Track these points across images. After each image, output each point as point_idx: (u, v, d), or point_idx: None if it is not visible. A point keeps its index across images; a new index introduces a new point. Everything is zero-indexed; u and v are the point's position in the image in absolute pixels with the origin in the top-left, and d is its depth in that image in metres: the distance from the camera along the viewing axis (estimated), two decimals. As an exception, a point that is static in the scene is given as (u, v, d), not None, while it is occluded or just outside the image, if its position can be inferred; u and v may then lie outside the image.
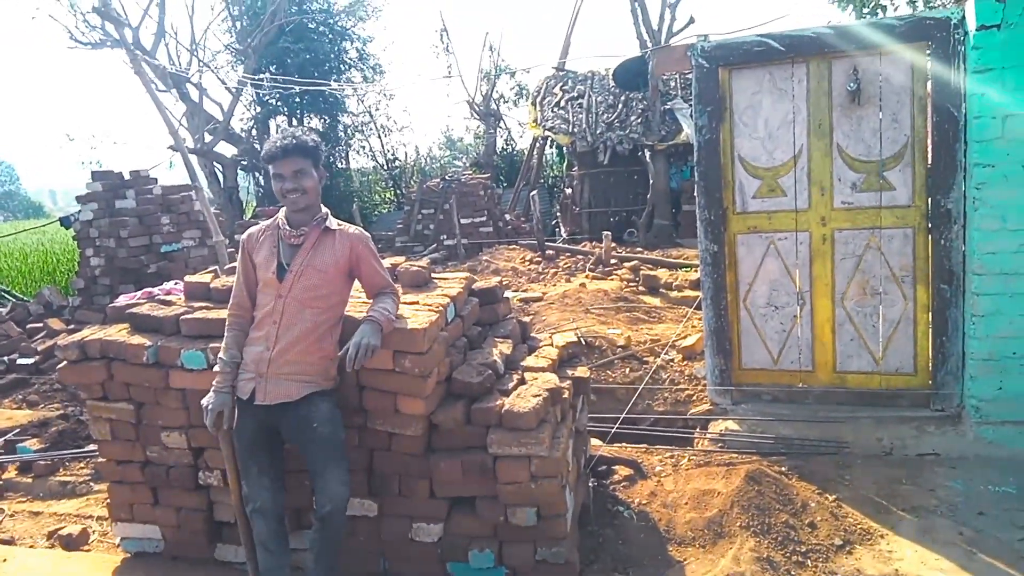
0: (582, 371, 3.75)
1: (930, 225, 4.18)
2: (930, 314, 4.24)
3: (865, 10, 11.86)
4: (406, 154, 24.31)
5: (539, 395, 3.19)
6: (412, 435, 3.18)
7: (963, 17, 3.91)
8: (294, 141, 2.88)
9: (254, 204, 17.02)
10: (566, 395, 3.43)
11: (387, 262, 3.87)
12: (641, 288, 8.94)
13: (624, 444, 4.50)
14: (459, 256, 13.07)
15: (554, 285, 9.65)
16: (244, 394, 2.95)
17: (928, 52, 4.05)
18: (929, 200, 4.18)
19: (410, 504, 3.29)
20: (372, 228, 19.23)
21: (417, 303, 3.41)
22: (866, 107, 4.28)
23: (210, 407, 2.94)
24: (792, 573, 3.12)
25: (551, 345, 3.89)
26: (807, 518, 3.45)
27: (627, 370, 5.63)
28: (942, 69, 4.00)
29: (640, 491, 3.86)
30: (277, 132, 19.02)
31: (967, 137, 3.97)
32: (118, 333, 3.45)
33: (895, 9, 13.14)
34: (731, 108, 4.57)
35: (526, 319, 4.00)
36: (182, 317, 3.43)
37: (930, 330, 4.24)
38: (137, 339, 3.38)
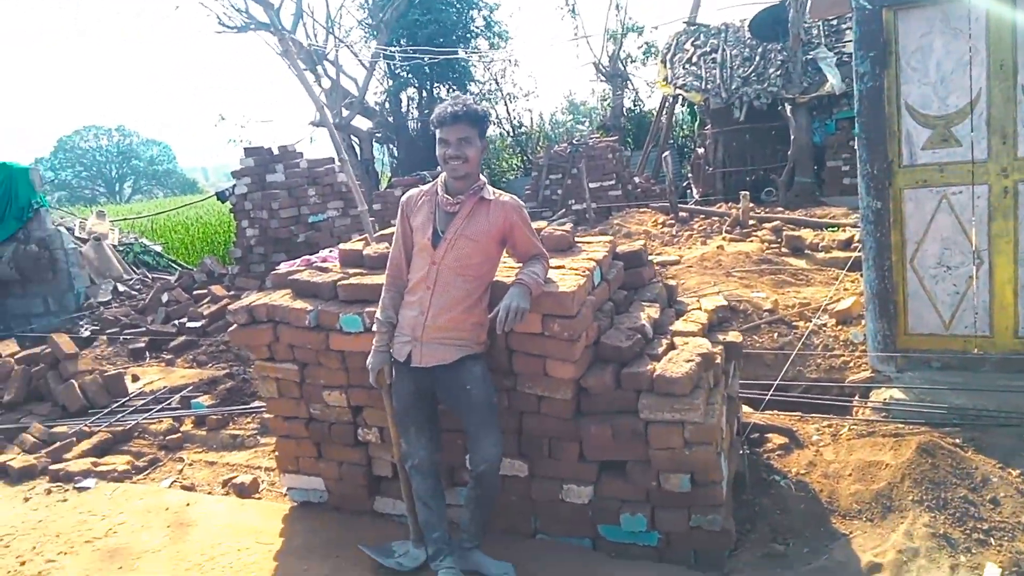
0: (734, 335, 3.60)
1: None
2: None
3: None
4: (531, 120, 24.26)
5: (691, 360, 3.09)
6: (561, 399, 3.18)
7: None
8: (464, 108, 2.89)
9: (388, 175, 17.59)
10: (718, 360, 3.31)
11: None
12: (784, 250, 8.50)
13: (776, 412, 4.31)
14: (589, 221, 12.94)
15: (690, 248, 9.36)
16: (401, 356, 3.04)
17: None
18: None
19: (560, 466, 3.30)
20: (501, 195, 19.39)
21: (563, 267, 3.38)
22: (1062, 40, 3.80)
23: (371, 366, 3.07)
24: (972, 551, 2.88)
25: (699, 309, 3.76)
26: (988, 494, 3.17)
27: (775, 335, 5.37)
28: None
29: (797, 460, 3.69)
30: (409, 104, 19.43)
31: None
32: (282, 298, 3.65)
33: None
34: (897, 52, 4.20)
35: (672, 282, 3.87)
36: (339, 283, 3.57)
37: None
38: (299, 304, 3.56)
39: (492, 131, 23.06)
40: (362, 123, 16.64)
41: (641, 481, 3.14)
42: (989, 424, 3.83)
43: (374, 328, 3.14)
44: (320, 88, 15.33)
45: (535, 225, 3.88)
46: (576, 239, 3.82)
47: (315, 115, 15.38)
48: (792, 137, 13.23)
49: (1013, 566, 2.75)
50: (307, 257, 4.18)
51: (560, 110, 28.17)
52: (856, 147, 4.35)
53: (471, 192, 3.00)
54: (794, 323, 5.51)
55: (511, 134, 22.91)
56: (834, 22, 13.75)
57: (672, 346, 3.32)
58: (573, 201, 14.41)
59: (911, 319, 4.36)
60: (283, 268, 4.03)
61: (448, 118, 2.89)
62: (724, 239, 9.61)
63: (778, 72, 13.93)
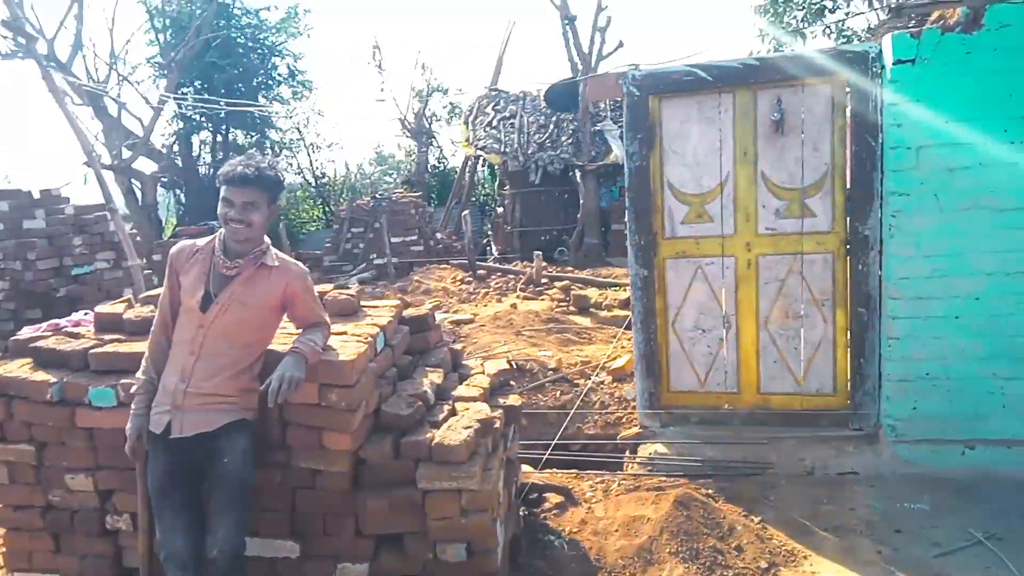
0: (514, 399, 3.70)
1: (849, 251, 4.33)
2: (848, 337, 4.38)
3: (785, 40, 12.38)
4: (335, 171, 23.96)
5: (470, 426, 3.13)
6: (338, 472, 3.07)
7: (880, 51, 4.08)
8: (256, 171, 2.71)
9: (174, 222, 16.42)
10: (498, 425, 3.38)
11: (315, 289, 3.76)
12: (572, 308, 8.99)
13: (555, 470, 4.48)
14: (389, 276, 12.91)
15: (485, 305, 9.61)
16: (158, 428, 2.78)
17: (847, 85, 4.21)
18: (848, 226, 4.33)
19: (335, 543, 3.16)
20: (300, 246, 18.81)
21: (345, 333, 3.31)
22: (789, 136, 4.41)
23: (129, 431, 2.81)
24: (721, 599, 3.13)
25: (483, 373, 3.84)
26: (734, 541, 3.49)
27: (558, 393, 5.62)
28: (860, 101, 4.16)
29: (571, 519, 3.84)
30: (201, 148, 18.38)
31: (884, 167, 4.14)
32: (19, 369, 3.23)
33: (814, 38, 13.76)
34: (661, 135, 4.65)
35: (458, 346, 3.94)
36: (91, 351, 3.23)
37: (849, 352, 4.39)
38: (41, 375, 3.16)
39: (293, 180, 22.44)
40: (147, 165, 15.49)
41: (419, 553, 3.09)
42: (737, 474, 4.23)
43: (133, 390, 2.87)
44: (94, 126, 14.10)
45: (319, 288, 3.79)
46: (362, 303, 3.77)
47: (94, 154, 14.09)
48: (582, 201, 14.19)
49: (753, 609, 3.02)
50: (55, 321, 3.74)
51: (368, 161, 28.13)
52: (626, 219, 4.73)
53: (252, 256, 2.83)
54: (576, 381, 5.81)
55: (313, 185, 22.43)
56: (618, 99, 15.06)
57: (453, 412, 3.35)
58: (375, 255, 14.33)
59: (673, 378, 4.76)
60: (25, 333, 3.58)
61: (236, 179, 2.70)
62: (518, 297, 9.99)
63: (569, 140, 14.96)
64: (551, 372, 5.88)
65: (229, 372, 2.82)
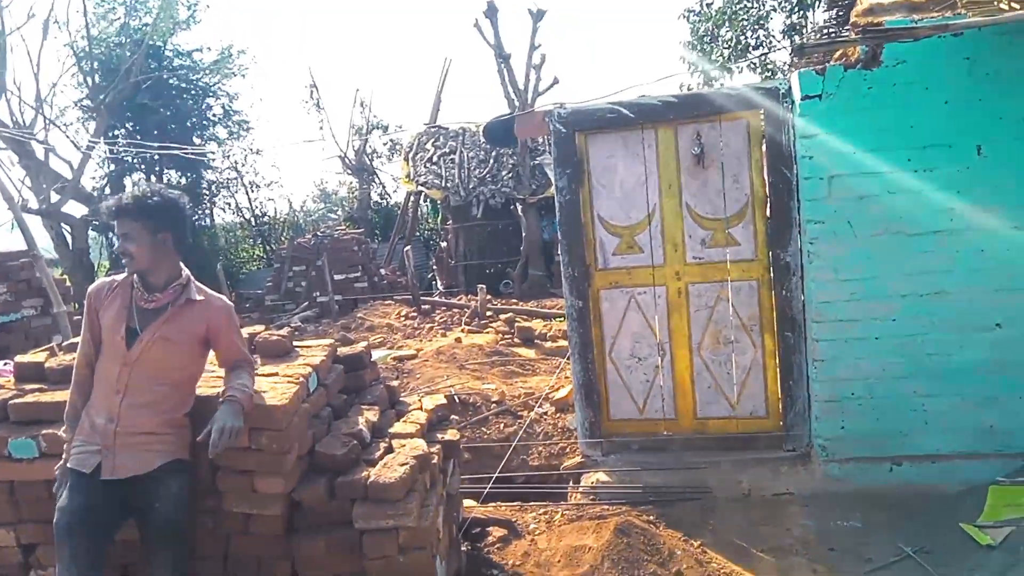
0: (452, 434, 3.71)
1: (772, 277, 4.50)
2: (777, 360, 4.53)
3: (713, 75, 12.88)
4: (275, 209, 23.72)
5: (406, 463, 3.13)
6: (271, 515, 3.03)
7: (789, 88, 4.30)
8: (123, 202, 2.69)
9: (107, 267, 15.94)
10: (435, 460, 3.38)
11: (246, 331, 3.72)
12: (516, 340, 9.04)
13: (499, 503, 4.48)
14: (332, 313, 12.78)
15: (430, 340, 9.59)
16: (84, 467, 2.71)
17: (762, 119, 4.41)
18: (770, 254, 4.49)
19: (272, 589, 3.10)
20: (240, 286, 18.47)
21: (277, 374, 3.28)
22: (710, 169, 4.58)
23: (60, 473, 2.78)
24: (662, 625, 3.17)
25: (420, 409, 3.83)
26: (674, 567, 3.53)
27: (502, 425, 5.63)
28: (774, 134, 4.36)
29: (514, 552, 3.84)
30: (135, 190, 18.18)
31: (799, 196, 4.32)
32: (-68, 423, 3.10)
33: (740, 73, 14.32)
34: (589, 170, 4.77)
35: (394, 383, 3.93)
36: (11, 402, 3.13)
37: (778, 375, 4.53)
38: (-45, 429, 3.04)
39: (231, 219, 22.08)
40: (78, 209, 15.04)
41: (357, 596, 3.05)
42: (677, 499, 4.30)
43: (64, 432, 2.81)
44: (16, 172, 13.66)
45: (256, 329, 3.76)
46: (295, 344, 3.74)
47: (17, 199, 13.63)
48: (524, 234, 14.34)
49: (691, 633, 3.06)
50: (-27, 372, 3.61)
51: (312, 198, 27.91)
52: (558, 252, 4.82)
53: (171, 290, 2.80)
54: (519, 412, 5.83)
55: (253, 223, 22.13)
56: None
57: (390, 449, 3.33)
58: (318, 293, 14.18)
59: (612, 406, 4.83)
60: (-60, 386, 3.43)
61: (112, 211, 2.70)
62: (463, 331, 10.00)
63: (510, 174, 15.15)
64: (494, 404, 5.90)
65: (158, 410, 2.78)
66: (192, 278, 2.92)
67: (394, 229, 18.52)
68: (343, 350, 3.87)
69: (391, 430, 3.51)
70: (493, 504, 4.42)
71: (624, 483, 4.45)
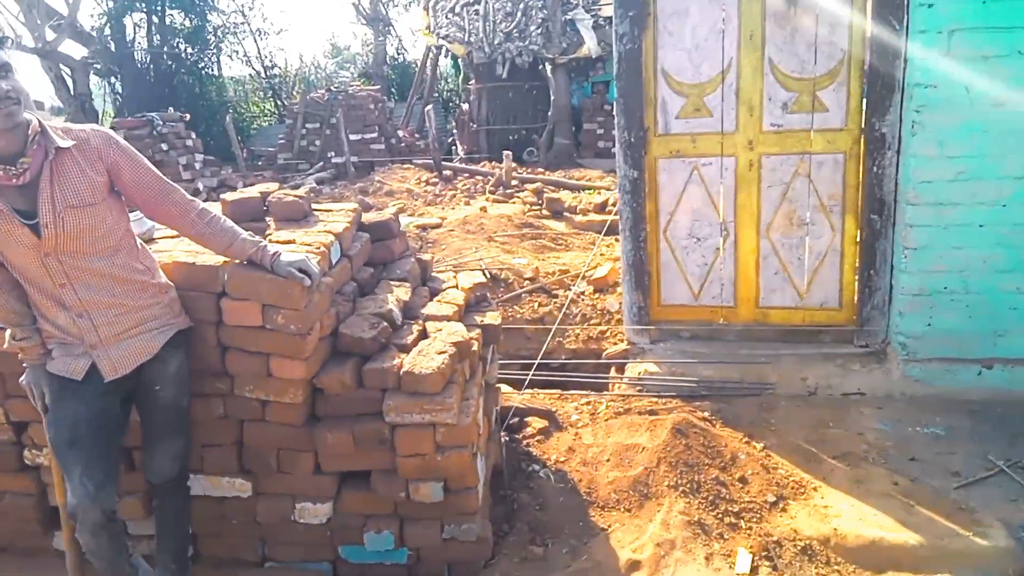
0: (492, 317, 3.25)
1: (863, 150, 3.87)
2: (858, 246, 3.99)
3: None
4: (286, 61, 22.47)
5: (444, 352, 2.68)
6: (291, 403, 2.63)
7: (913, -85, 3.50)
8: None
9: (111, 113, 15.16)
10: (476, 348, 2.94)
11: (257, 188, 3.20)
12: (545, 212, 8.51)
13: (536, 391, 4.10)
14: (349, 175, 12.16)
15: (453, 209, 9.06)
16: (76, 373, 2.26)
17: (873, -45, 3.63)
18: (864, 123, 3.85)
19: (292, 481, 2.76)
20: (251, 143, 17.75)
21: (293, 242, 2.79)
22: (802, 17, 3.86)
23: (29, 381, 2.34)
24: (725, 536, 2.83)
25: (456, 287, 3.36)
26: (737, 472, 3.17)
27: (536, 304, 5.20)
28: (886, -25, 3.60)
29: (557, 446, 3.48)
30: (136, 31, 16.81)
31: (909, 53, 3.63)
32: None
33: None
34: (655, 14, 4.05)
35: (426, 256, 3.44)
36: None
37: (858, 263, 4.00)
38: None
39: (241, 71, 20.96)
40: (76, 50, 14.10)
41: (388, 493, 2.71)
42: (734, 394, 3.91)
43: (14, 336, 2.32)
44: (17, 5, 12.64)
45: (271, 187, 3.22)
46: (313, 207, 3.22)
47: (15, 37, 12.73)
48: (552, 98, 13.42)
49: (763, 550, 2.72)
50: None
51: (323, 53, 26.46)
52: (614, 112, 4.18)
53: (37, 147, 2.08)
54: (554, 291, 5.38)
55: (263, 75, 20.99)
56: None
57: (424, 334, 2.89)
58: (332, 154, 13.51)
59: (664, 290, 4.35)
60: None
61: None
62: (488, 200, 9.44)
63: (539, 30, 14.00)
64: (528, 281, 5.44)
65: (125, 282, 2.28)
66: (42, 120, 2.16)
67: (411, 88, 17.49)
68: (368, 216, 3.36)
69: (424, 311, 3.05)
70: (530, 392, 4.04)
71: (675, 375, 4.04)
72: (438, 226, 7.23)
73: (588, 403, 3.94)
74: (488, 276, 5.35)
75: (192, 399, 2.61)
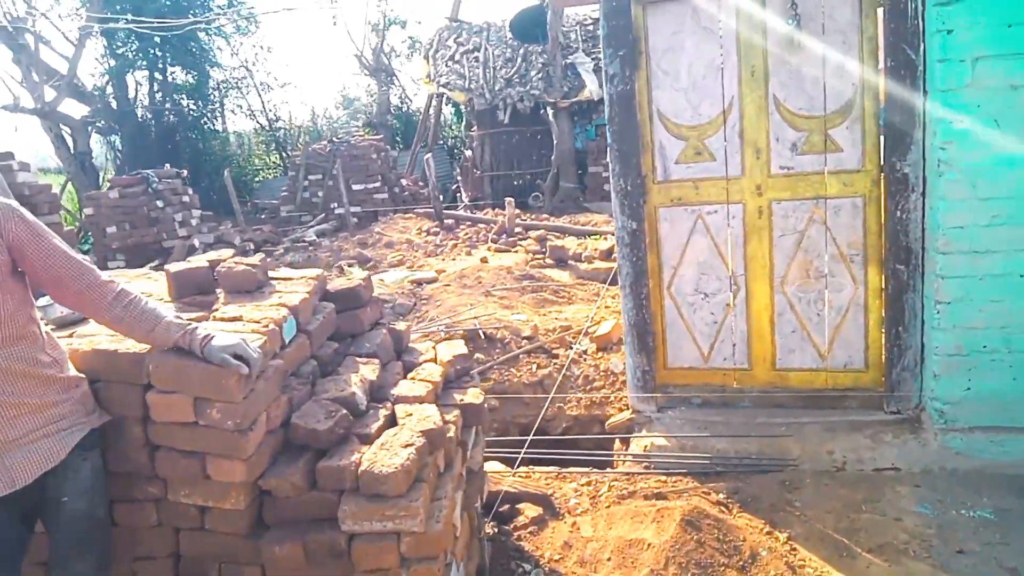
0: (474, 395, 2.87)
1: (884, 193, 3.51)
2: (883, 300, 3.60)
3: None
4: (290, 114, 22.54)
5: (411, 444, 2.31)
6: (232, 509, 2.25)
7: (922, -63, 3.19)
8: None
9: (112, 172, 15.11)
10: (452, 434, 2.56)
11: (206, 257, 2.87)
12: (548, 260, 8.17)
13: (532, 469, 3.69)
14: (349, 227, 11.92)
15: (454, 259, 8.74)
16: None
17: (883, -19, 3.33)
18: (883, 163, 3.50)
19: (237, 600, 2.36)
20: (255, 195, 17.67)
21: (240, 319, 2.44)
22: (808, 49, 3.54)
23: None
24: (747, 654, 2.39)
25: (434, 360, 2.99)
26: (759, 573, 2.73)
27: (534, 366, 4.81)
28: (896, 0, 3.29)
29: (552, 539, 3.06)
30: (137, 89, 16.78)
31: (928, 85, 3.29)
32: None
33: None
34: (647, 52, 3.76)
35: (401, 326, 3.07)
36: None
37: (884, 319, 3.60)
38: None
39: (245, 126, 21.02)
40: (76, 109, 14.10)
41: (346, 614, 2.30)
42: (752, 470, 3.48)
43: None
44: (16, 65, 12.63)
45: (230, 255, 2.89)
46: (271, 276, 2.88)
47: (14, 99, 12.74)
48: (555, 142, 13.21)
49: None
50: None
51: (335, 105, 26.58)
52: (608, 160, 3.85)
53: None
54: (554, 351, 5.00)
55: (267, 128, 21.01)
56: (591, 27, 13.95)
57: (392, 420, 2.52)
58: (335, 205, 13.30)
59: (670, 352, 3.96)
60: None
61: None
62: (490, 249, 9.14)
63: (539, 75, 13.87)
64: (525, 341, 5.07)
65: (27, 376, 1.94)
66: None
67: (415, 136, 17.39)
68: (335, 284, 3.01)
69: (395, 391, 2.68)
70: (525, 470, 3.63)
71: (685, 449, 3.63)
72: (434, 280, 6.89)
73: (589, 483, 3.52)
74: (482, 336, 4.99)
75: (120, 505, 2.26)
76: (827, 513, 3.14)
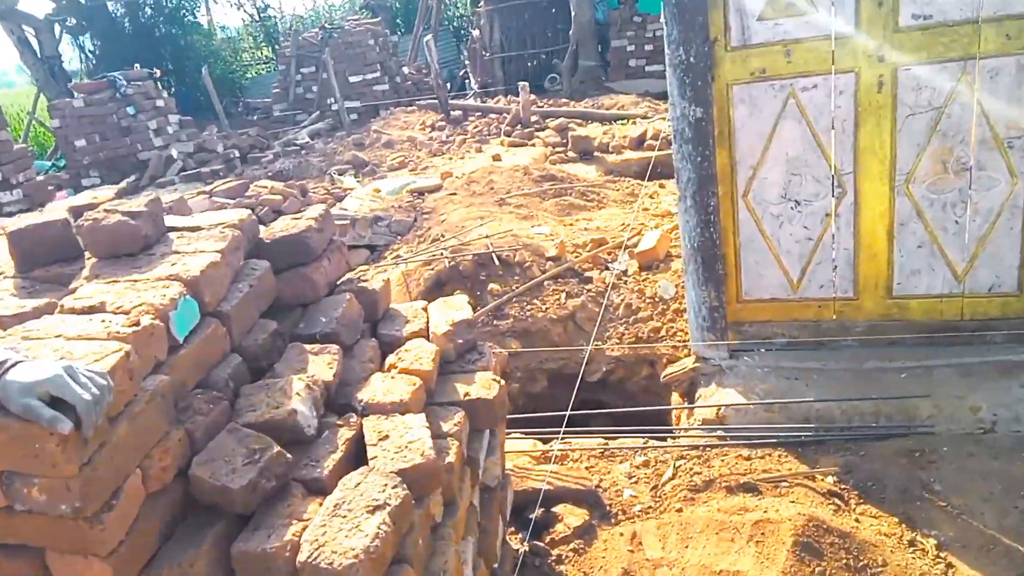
0: (484, 384, 1.95)
1: (1066, 46, 2.41)
2: (1055, 199, 2.57)
3: None
4: (280, 2, 20.67)
5: (383, 503, 1.43)
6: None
7: None
8: None
9: (85, 77, 13.78)
10: (453, 458, 1.67)
11: (70, 202, 1.91)
12: (570, 154, 7.09)
13: (567, 441, 2.82)
14: (344, 125, 10.76)
15: (461, 159, 7.67)
16: None
17: None
18: (1070, 1, 2.37)
19: None
20: (246, 93, 16.38)
21: (103, 307, 1.53)
22: None
23: None
24: None
25: (423, 334, 2.06)
26: (913, 617, 1.88)
27: (563, 295, 3.87)
28: None
29: (605, 563, 2.21)
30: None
31: None
32: None
33: None
34: None
35: (376, 284, 2.12)
36: None
37: (1053, 226, 2.59)
38: None
39: (233, 21, 19.33)
40: (40, 6, 12.74)
41: None
42: (866, 437, 2.59)
43: None
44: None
45: (109, 199, 1.92)
46: (172, 225, 1.93)
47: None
48: (573, 14, 11.71)
49: None
50: None
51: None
52: (663, 19, 2.75)
53: None
54: (586, 273, 4.04)
55: (256, 19, 19.31)
56: None
57: (358, 445, 1.64)
58: (332, 100, 12.07)
59: (747, 280, 2.99)
60: None
61: None
62: (503, 144, 8.03)
63: (552, -64, 12.19)
64: (550, 263, 4.11)
65: None
66: None
67: (416, 18, 15.76)
68: (274, 229, 2.04)
69: (364, 394, 1.77)
70: (559, 447, 2.76)
71: (771, 409, 2.72)
72: (437, 189, 5.87)
73: (647, 463, 2.66)
74: (497, 261, 4.04)
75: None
76: (982, 502, 2.27)
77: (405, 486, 1.48)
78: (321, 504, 1.46)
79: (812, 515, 2.11)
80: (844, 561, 1.99)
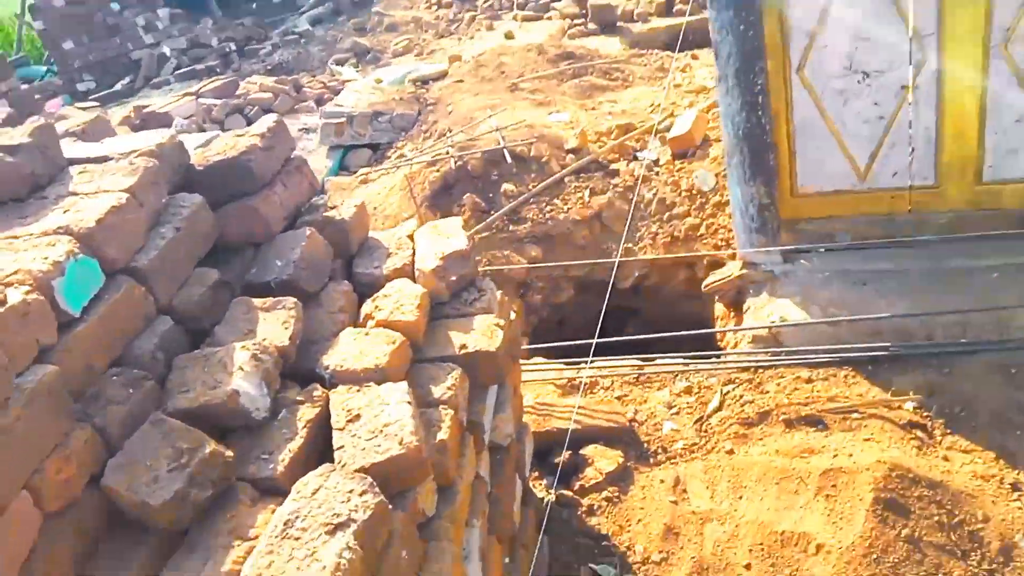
0: (486, 333, 1.57)
1: None
2: None
3: None
4: None
5: (348, 519, 1.11)
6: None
7: None
8: None
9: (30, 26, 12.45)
10: (446, 436, 1.33)
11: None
12: (591, 26, 6.41)
13: (596, 366, 2.47)
14: (345, 7, 9.96)
15: (471, 38, 7.01)
16: None
17: None
18: None
19: None
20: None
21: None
22: None
23: None
24: None
25: (410, 269, 1.67)
26: (1021, 587, 1.54)
27: (586, 192, 3.42)
28: None
29: (644, 515, 1.90)
30: None
31: None
32: None
33: None
34: None
35: (347, 213, 1.70)
36: None
37: None
38: None
39: None
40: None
41: None
42: (949, 352, 2.19)
43: None
44: None
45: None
46: (78, 156, 1.53)
47: None
48: None
49: None
50: None
51: None
52: None
53: None
54: (612, 165, 3.57)
55: None
56: None
57: (323, 426, 1.29)
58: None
59: (803, 169, 2.51)
60: None
61: None
62: (516, 19, 7.32)
63: None
64: (570, 156, 3.63)
65: None
66: None
67: None
68: (208, 153, 1.62)
69: (329, 360, 1.41)
70: (589, 374, 2.41)
71: (834, 327, 2.32)
72: (443, 76, 5.29)
73: (689, 389, 2.31)
74: (509, 158, 3.58)
75: None
76: (1097, 432, 1.88)
77: (377, 490, 1.14)
78: (267, 522, 1.13)
79: (895, 462, 1.74)
80: (936, 518, 1.65)
